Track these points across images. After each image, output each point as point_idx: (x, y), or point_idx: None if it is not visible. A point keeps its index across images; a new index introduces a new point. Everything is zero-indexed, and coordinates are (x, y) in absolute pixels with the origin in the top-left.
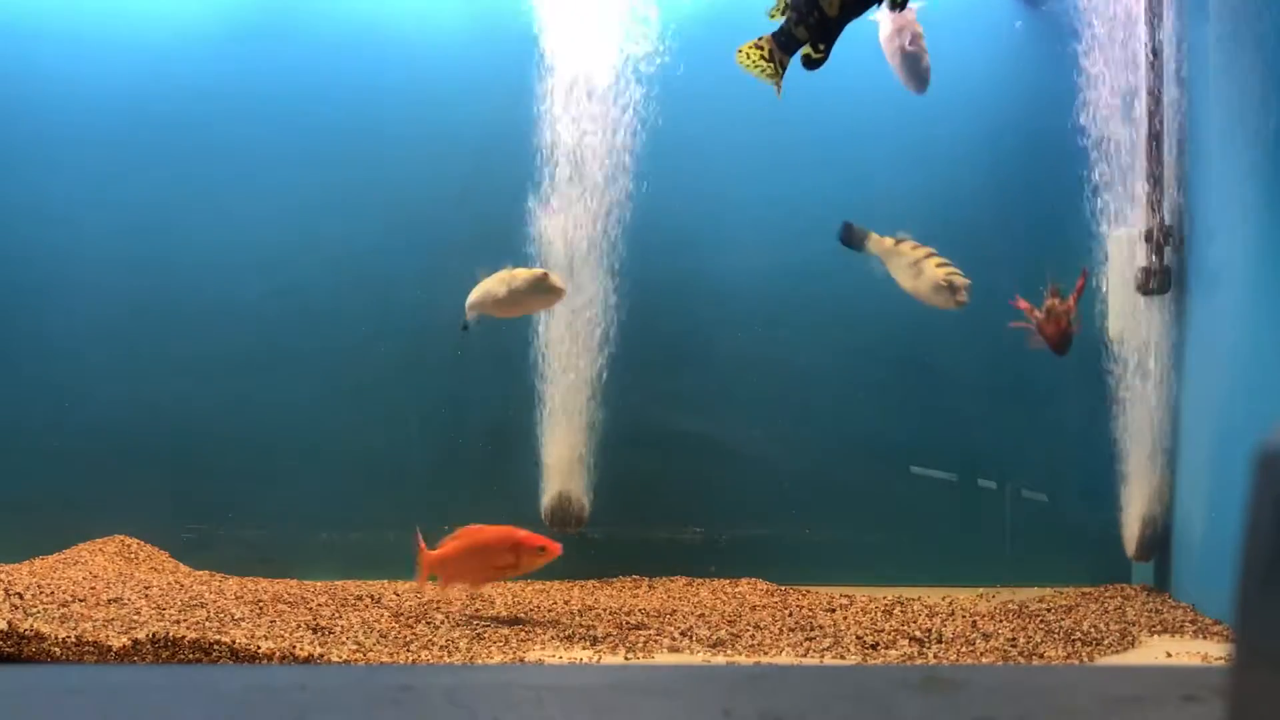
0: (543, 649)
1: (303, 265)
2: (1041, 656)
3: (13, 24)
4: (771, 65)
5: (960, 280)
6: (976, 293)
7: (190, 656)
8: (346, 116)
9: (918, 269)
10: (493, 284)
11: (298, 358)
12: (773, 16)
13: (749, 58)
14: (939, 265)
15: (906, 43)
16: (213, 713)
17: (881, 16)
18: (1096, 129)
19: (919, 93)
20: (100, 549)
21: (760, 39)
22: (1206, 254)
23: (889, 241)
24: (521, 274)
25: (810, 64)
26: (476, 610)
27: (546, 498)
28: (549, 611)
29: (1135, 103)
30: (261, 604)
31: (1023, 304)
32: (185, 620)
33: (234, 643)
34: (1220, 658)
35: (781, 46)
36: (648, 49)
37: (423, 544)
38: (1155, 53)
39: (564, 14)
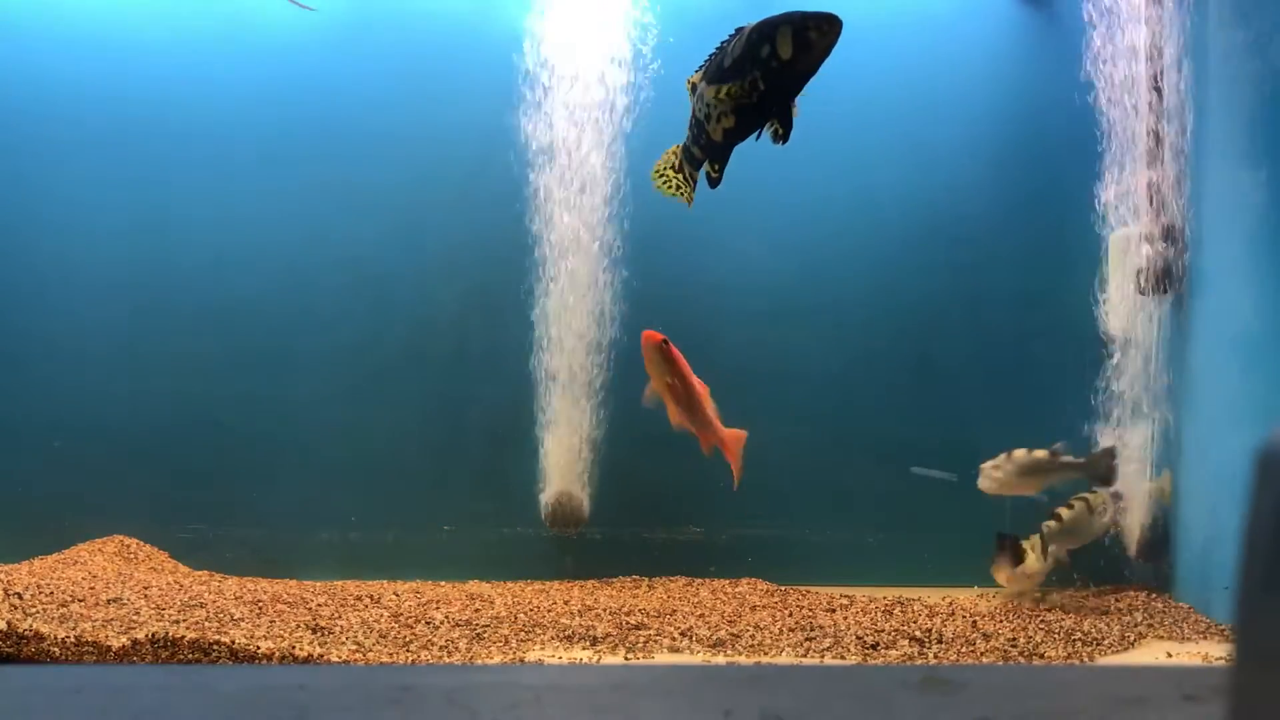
0: (543, 649)
1: (303, 265)
2: (1041, 656)
3: (14, 26)
4: (681, 176)
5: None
6: (978, 292)
7: (190, 656)
8: (346, 116)
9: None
10: None
11: (297, 358)
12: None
13: (660, 174)
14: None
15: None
16: (213, 713)
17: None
18: (1097, 128)
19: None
20: (100, 549)
21: (672, 149)
22: (1206, 254)
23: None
24: None
25: (710, 182)
26: (476, 610)
27: (546, 498)
28: (549, 611)
29: (1136, 102)
30: (261, 604)
31: None
32: (185, 620)
33: (233, 643)
34: (1220, 658)
35: (688, 160)
36: (645, 48)
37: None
38: (1156, 52)
39: (559, 13)
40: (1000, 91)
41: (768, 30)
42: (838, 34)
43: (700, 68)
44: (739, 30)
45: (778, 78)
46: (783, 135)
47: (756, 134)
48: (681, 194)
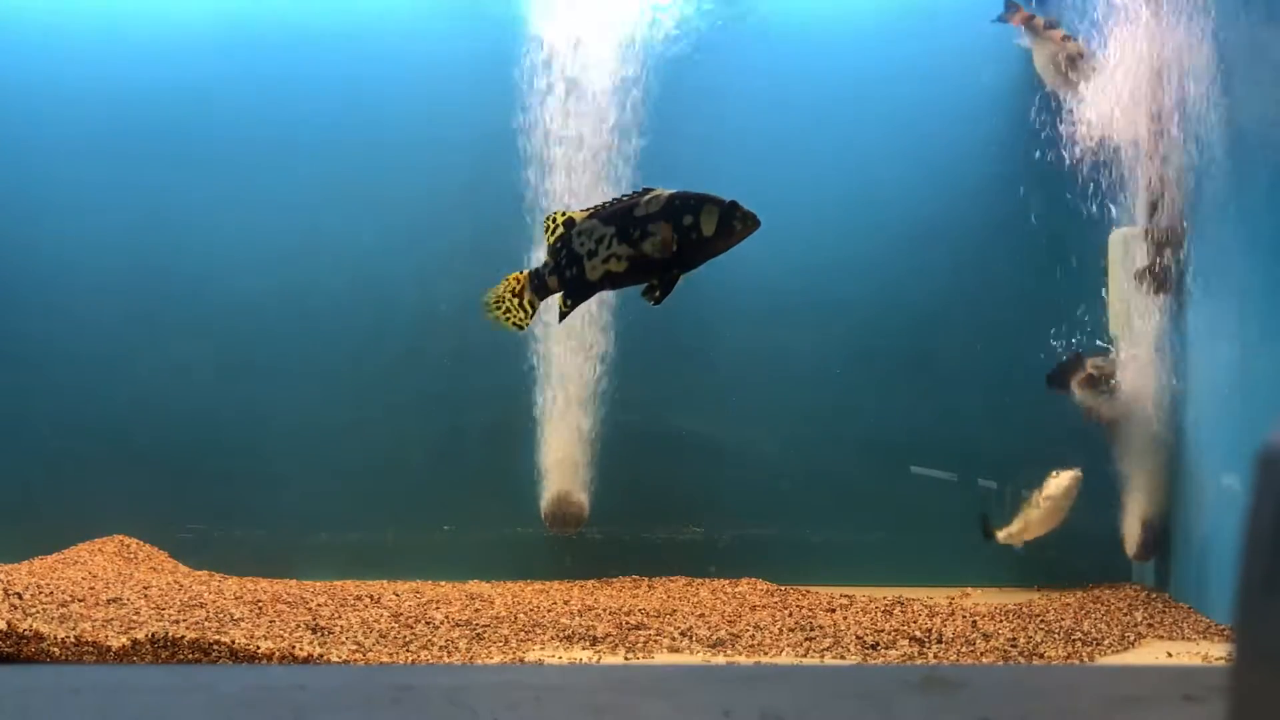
0: (543, 649)
1: (302, 265)
2: (1041, 656)
3: (12, 25)
4: (517, 301)
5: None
6: (977, 292)
7: (189, 656)
8: (346, 116)
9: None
10: None
11: (297, 358)
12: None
13: (498, 301)
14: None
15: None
16: (213, 713)
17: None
18: (1098, 128)
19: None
20: (99, 549)
21: (515, 275)
22: (1206, 254)
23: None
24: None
25: (561, 316)
26: (476, 610)
27: (546, 498)
28: (549, 611)
29: (1137, 102)
30: (261, 604)
31: None
32: (184, 620)
33: (233, 643)
34: (1220, 658)
35: (534, 290)
36: (645, 46)
37: None
38: (1157, 50)
39: (560, 12)
40: (1000, 91)
41: (693, 202)
42: (752, 231)
43: (587, 209)
44: (648, 190)
45: (690, 248)
46: (658, 299)
47: (642, 289)
48: (510, 321)
